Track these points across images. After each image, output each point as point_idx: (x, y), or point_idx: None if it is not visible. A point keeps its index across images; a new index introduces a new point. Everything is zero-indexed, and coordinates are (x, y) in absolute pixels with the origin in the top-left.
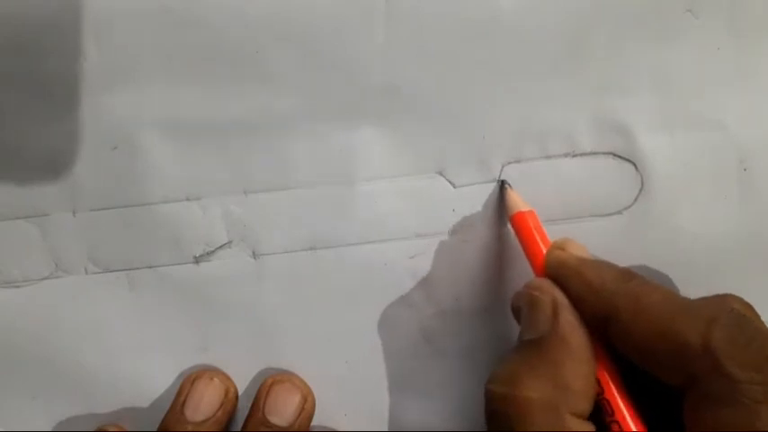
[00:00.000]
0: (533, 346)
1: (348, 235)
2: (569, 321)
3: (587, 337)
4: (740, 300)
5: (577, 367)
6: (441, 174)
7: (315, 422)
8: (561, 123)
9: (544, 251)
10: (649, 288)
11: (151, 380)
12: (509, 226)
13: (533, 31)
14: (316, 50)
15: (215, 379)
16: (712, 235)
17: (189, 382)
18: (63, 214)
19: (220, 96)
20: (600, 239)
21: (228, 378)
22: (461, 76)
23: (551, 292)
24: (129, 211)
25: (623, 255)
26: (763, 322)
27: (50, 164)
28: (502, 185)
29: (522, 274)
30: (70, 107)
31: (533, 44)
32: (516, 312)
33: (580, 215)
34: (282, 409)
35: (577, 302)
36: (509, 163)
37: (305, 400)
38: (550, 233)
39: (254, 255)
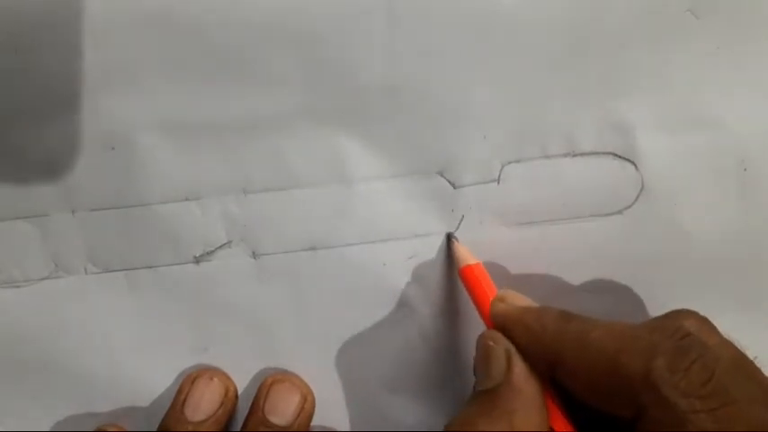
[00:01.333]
0: (488, 395)
1: (347, 235)
2: (522, 371)
3: (539, 385)
4: (694, 316)
5: (531, 416)
6: (440, 174)
7: (315, 422)
8: (561, 123)
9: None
10: (590, 326)
11: (151, 380)
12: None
13: (534, 32)
14: (315, 50)
15: (215, 378)
16: (712, 234)
17: (189, 381)
18: (62, 214)
19: (219, 96)
20: (600, 239)
21: (228, 377)
22: (461, 75)
23: (503, 343)
24: (129, 211)
25: (623, 255)
26: (719, 336)
27: (49, 164)
28: (448, 239)
29: (516, 284)
30: (69, 107)
31: (534, 44)
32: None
33: (580, 215)
34: (282, 408)
35: (524, 351)
36: (509, 163)
37: (305, 399)
38: (551, 233)
39: (254, 255)
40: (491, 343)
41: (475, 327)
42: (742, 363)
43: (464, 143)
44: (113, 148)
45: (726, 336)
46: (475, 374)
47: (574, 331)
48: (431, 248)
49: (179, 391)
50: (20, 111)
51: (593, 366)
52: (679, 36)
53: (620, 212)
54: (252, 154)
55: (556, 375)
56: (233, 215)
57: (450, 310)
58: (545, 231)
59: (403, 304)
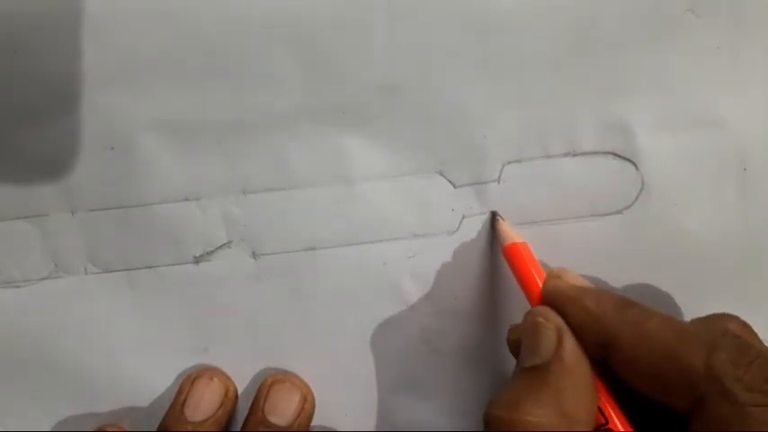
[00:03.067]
0: (536, 372)
1: (347, 235)
2: (573, 349)
3: (590, 366)
4: (737, 320)
5: (580, 396)
6: (441, 173)
7: (314, 422)
8: (562, 123)
9: (539, 282)
10: (649, 314)
11: (151, 380)
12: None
13: (534, 31)
14: (315, 50)
15: (215, 378)
16: (712, 234)
17: (189, 381)
18: (62, 214)
19: (219, 96)
20: (600, 239)
21: (228, 378)
22: (462, 75)
23: (555, 320)
24: (128, 211)
25: (623, 254)
26: (760, 341)
27: (49, 164)
28: (493, 217)
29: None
30: (69, 107)
31: (534, 44)
32: (513, 345)
33: (580, 215)
34: (282, 408)
35: (577, 331)
36: (509, 162)
37: (305, 399)
38: (551, 233)
39: (254, 255)
40: (541, 319)
41: (476, 327)
42: None
43: (464, 143)
44: (113, 148)
45: None
46: (512, 352)
47: (632, 317)
48: (431, 248)
49: (179, 392)
50: (19, 111)
51: (652, 354)
52: (679, 35)
53: (619, 212)
54: (252, 154)
55: (609, 360)
56: (233, 215)
57: (452, 310)
58: (545, 231)
59: (403, 303)
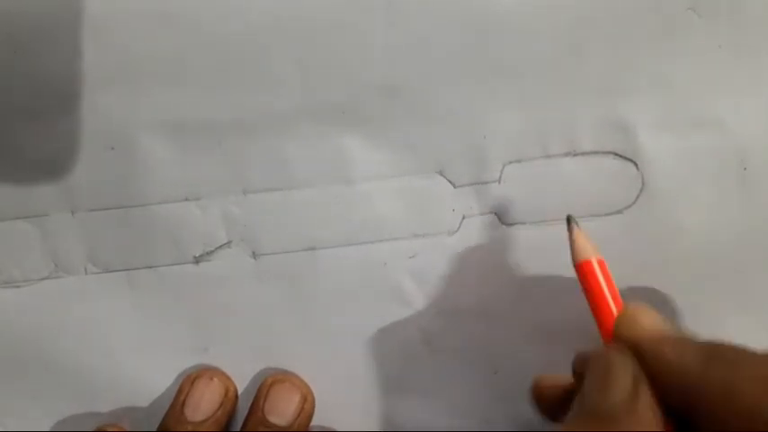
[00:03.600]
0: (602, 419)
1: (347, 235)
2: (650, 403)
3: (662, 422)
4: None
5: None
6: (441, 173)
7: (314, 422)
8: (562, 123)
9: (614, 312)
10: (736, 367)
11: (151, 380)
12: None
13: (533, 31)
14: (315, 50)
15: (215, 378)
16: (713, 234)
17: (189, 381)
18: (62, 214)
19: (219, 96)
20: (600, 239)
21: (228, 378)
22: (461, 75)
23: (631, 367)
24: (128, 211)
25: (624, 254)
26: None
27: (49, 164)
28: (568, 222)
29: (521, 277)
30: (68, 107)
31: (534, 43)
32: (578, 375)
33: (581, 215)
34: (282, 408)
35: (654, 382)
36: (510, 162)
37: (305, 399)
38: (552, 233)
39: (254, 255)
40: (615, 360)
41: (476, 327)
42: None
43: (464, 143)
44: (113, 148)
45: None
46: (576, 386)
47: (719, 375)
48: (431, 248)
49: (179, 392)
50: (19, 111)
51: (741, 418)
52: (680, 34)
53: (620, 212)
54: (252, 154)
55: (692, 420)
56: (233, 215)
57: (452, 310)
58: (546, 231)
59: (404, 304)
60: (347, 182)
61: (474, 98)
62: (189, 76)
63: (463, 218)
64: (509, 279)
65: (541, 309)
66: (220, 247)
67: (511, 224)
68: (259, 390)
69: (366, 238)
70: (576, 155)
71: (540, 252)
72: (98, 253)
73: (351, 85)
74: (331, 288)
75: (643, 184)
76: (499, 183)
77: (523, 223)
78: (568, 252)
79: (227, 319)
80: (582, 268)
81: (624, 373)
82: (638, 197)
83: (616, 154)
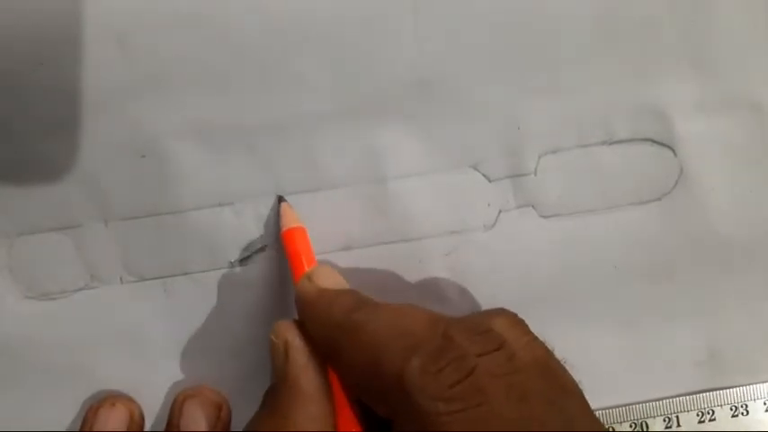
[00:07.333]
0: (271, 392)
1: (382, 233)
2: (298, 364)
3: (320, 377)
4: (505, 314)
5: (309, 410)
6: (475, 168)
7: None
8: (597, 111)
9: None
10: (375, 316)
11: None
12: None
13: (565, 18)
14: (343, 48)
15: (117, 404)
16: (753, 219)
17: (92, 412)
18: (95, 224)
19: (248, 99)
20: (639, 227)
21: (131, 400)
22: (493, 66)
23: (284, 335)
24: (162, 218)
25: (663, 241)
26: (528, 336)
27: (80, 174)
28: (279, 201)
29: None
30: (98, 117)
31: (565, 31)
32: None
33: (618, 204)
34: (198, 423)
35: (311, 340)
36: (545, 153)
37: (219, 409)
38: (590, 223)
39: None
40: (272, 337)
41: None
42: (545, 364)
43: (498, 135)
44: (144, 156)
45: None
46: None
47: (355, 321)
48: (468, 244)
49: (83, 424)
50: (48, 123)
51: (362, 361)
52: (715, 15)
53: (658, 199)
54: (283, 156)
55: (333, 369)
56: (267, 219)
57: (490, 306)
58: (584, 221)
59: (440, 302)
60: (380, 180)
61: (506, 89)
62: (217, 80)
63: (499, 212)
64: (548, 272)
65: (583, 301)
66: (256, 251)
67: (548, 216)
68: (172, 408)
69: (401, 236)
70: (612, 143)
71: (580, 244)
72: (133, 262)
73: (381, 81)
74: (367, 287)
75: (681, 170)
76: (535, 175)
77: (561, 215)
78: (608, 242)
79: (265, 323)
80: (285, 236)
81: (278, 345)
82: (676, 183)
83: (653, 140)
